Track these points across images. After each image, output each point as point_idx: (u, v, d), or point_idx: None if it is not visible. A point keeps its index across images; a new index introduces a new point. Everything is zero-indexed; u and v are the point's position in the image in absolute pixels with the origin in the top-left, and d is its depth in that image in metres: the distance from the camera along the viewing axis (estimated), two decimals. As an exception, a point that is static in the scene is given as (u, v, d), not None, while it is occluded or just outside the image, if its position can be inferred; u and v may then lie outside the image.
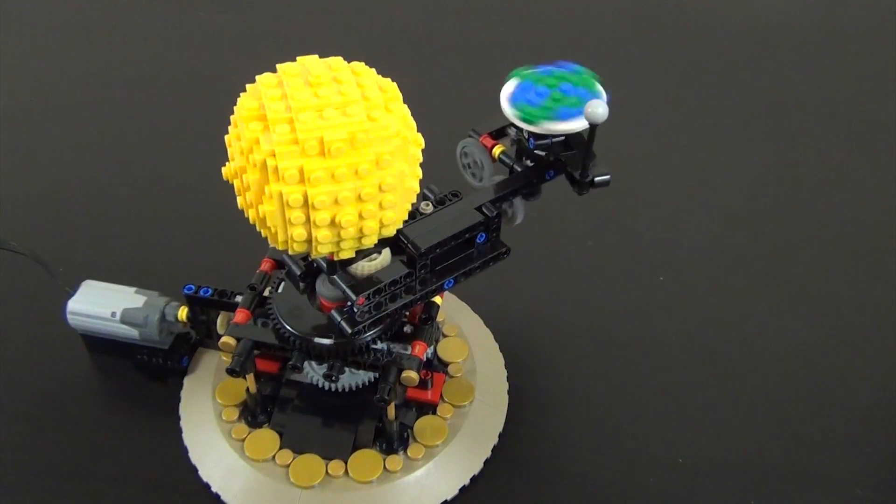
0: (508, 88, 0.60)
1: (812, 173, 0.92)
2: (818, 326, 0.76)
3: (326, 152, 0.47)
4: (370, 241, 0.52)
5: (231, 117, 0.50)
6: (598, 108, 0.54)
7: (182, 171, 0.90)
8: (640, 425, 0.68)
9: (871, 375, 0.72)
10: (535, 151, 0.61)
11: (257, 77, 0.50)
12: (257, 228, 0.52)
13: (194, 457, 0.65)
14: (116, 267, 0.77)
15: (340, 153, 0.47)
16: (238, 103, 0.49)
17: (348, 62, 0.51)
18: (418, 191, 0.53)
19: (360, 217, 0.49)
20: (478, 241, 0.60)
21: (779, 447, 0.67)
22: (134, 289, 0.70)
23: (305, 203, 0.48)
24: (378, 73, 0.51)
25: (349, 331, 0.57)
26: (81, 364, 0.72)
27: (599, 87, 0.61)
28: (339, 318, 0.58)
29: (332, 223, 0.49)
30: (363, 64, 0.51)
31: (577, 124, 0.58)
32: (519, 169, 0.62)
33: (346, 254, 0.52)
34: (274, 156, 0.47)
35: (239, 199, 0.52)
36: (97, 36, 1.11)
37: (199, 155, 0.89)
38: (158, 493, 0.64)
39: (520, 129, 0.61)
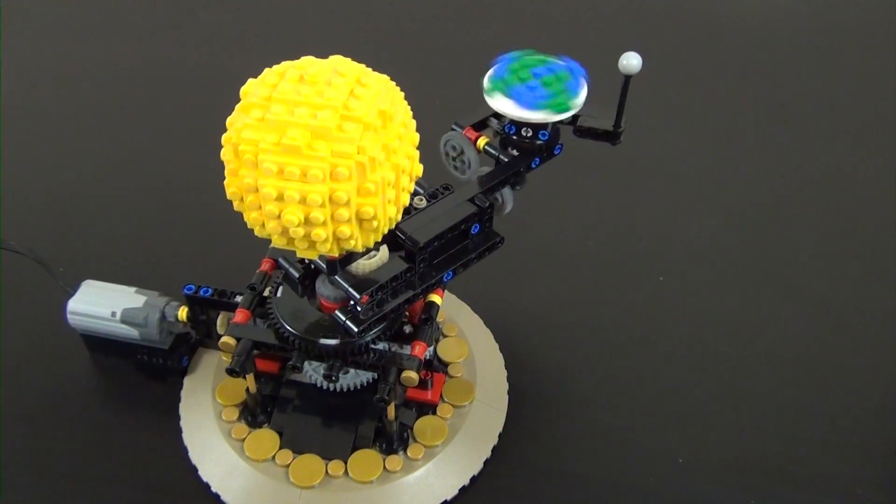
0: (507, 103, 0.61)
1: (812, 173, 0.92)
2: (818, 326, 0.76)
3: (281, 147, 0.47)
4: (326, 249, 0.51)
5: (226, 136, 0.50)
6: (633, 59, 0.57)
7: (182, 171, 0.90)
8: (640, 425, 0.68)
9: (871, 376, 0.72)
10: (540, 141, 0.62)
11: (281, 63, 0.50)
12: (275, 241, 0.52)
13: (194, 456, 0.65)
14: (116, 267, 0.77)
15: (293, 152, 0.47)
16: (236, 123, 0.50)
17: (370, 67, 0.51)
18: (390, 215, 0.51)
19: (307, 222, 0.49)
20: (472, 232, 0.61)
21: (779, 447, 0.67)
22: (134, 289, 0.70)
23: (257, 189, 0.48)
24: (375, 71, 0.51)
25: (356, 329, 0.57)
26: (81, 364, 0.72)
27: (551, 57, 0.62)
28: (343, 318, 0.58)
29: (279, 218, 0.49)
30: (384, 77, 0.51)
31: (585, 88, 0.60)
32: (505, 159, 0.63)
33: (307, 253, 0.52)
34: (240, 136, 0.48)
35: (252, 215, 0.51)
36: (97, 36, 1.11)
37: (199, 155, 0.89)
38: (158, 493, 0.64)
39: (502, 120, 0.62)
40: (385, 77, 0.51)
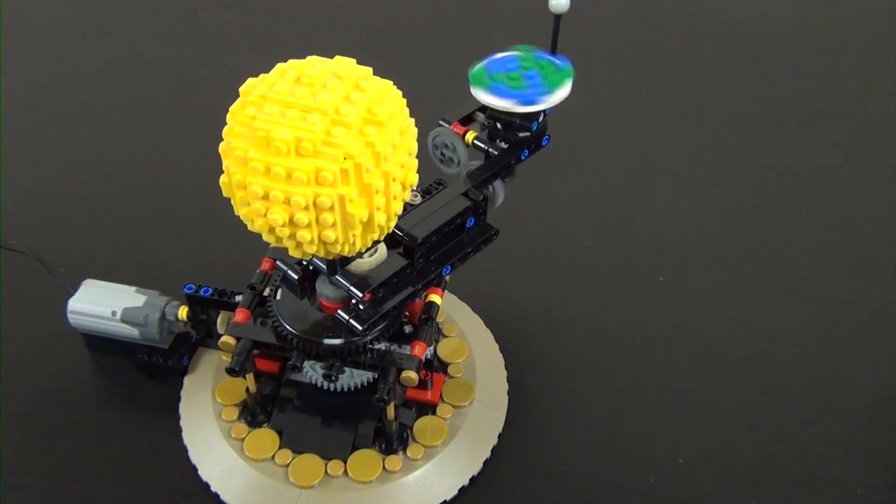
0: (489, 94, 0.61)
1: (812, 173, 0.92)
2: (818, 326, 0.76)
3: (269, 148, 0.47)
4: (313, 251, 0.51)
5: (224, 131, 0.50)
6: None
7: (182, 170, 0.90)
8: (640, 425, 0.68)
9: (871, 375, 0.72)
10: (524, 134, 0.63)
11: (287, 62, 0.50)
12: (264, 237, 0.52)
13: (194, 456, 0.65)
14: (117, 266, 0.77)
15: (280, 153, 0.47)
16: (230, 120, 0.50)
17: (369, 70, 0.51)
18: (380, 223, 0.51)
19: (291, 223, 0.49)
20: (468, 225, 0.62)
21: (779, 447, 0.67)
22: (134, 288, 0.70)
23: (245, 185, 0.48)
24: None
25: (360, 328, 0.57)
26: (82, 363, 0.72)
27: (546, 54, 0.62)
28: (347, 317, 0.58)
29: (265, 216, 0.49)
30: (385, 82, 0.51)
31: (498, 101, 0.59)
32: (495, 152, 0.63)
33: (296, 253, 0.52)
34: (231, 132, 0.48)
35: (243, 211, 0.52)
36: (97, 36, 1.11)
37: (199, 155, 0.89)
38: (158, 493, 0.64)
39: (488, 113, 0.62)
40: (387, 82, 0.51)
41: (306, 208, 0.48)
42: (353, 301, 0.58)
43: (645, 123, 0.99)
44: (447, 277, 0.65)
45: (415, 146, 0.52)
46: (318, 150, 0.47)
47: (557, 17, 0.58)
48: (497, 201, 0.65)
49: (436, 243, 0.60)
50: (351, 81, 0.49)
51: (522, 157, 0.64)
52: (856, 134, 0.98)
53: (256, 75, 0.50)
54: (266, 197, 0.48)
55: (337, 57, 0.51)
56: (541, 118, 0.63)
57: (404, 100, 0.52)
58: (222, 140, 0.50)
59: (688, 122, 0.99)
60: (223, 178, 0.50)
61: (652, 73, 1.07)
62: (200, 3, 1.17)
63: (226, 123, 0.50)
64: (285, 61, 0.51)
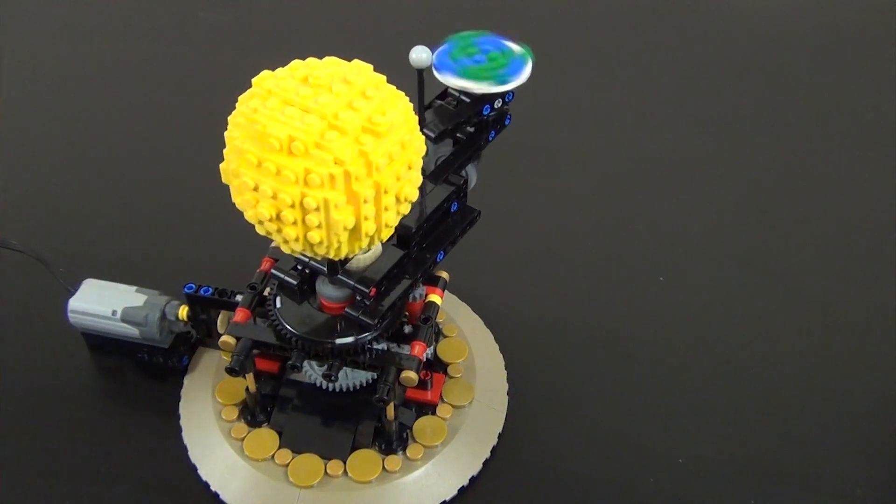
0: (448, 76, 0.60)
1: (812, 173, 0.92)
2: (818, 326, 0.76)
3: (263, 142, 0.47)
4: (300, 248, 0.51)
5: (229, 118, 0.51)
6: (423, 52, 0.54)
7: (182, 170, 0.90)
8: (639, 425, 0.68)
9: (870, 376, 0.72)
10: (485, 116, 0.62)
11: (305, 59, 0.51)
12: (256, 228, 0.52)
13: (194, 456, 0.65)
14: (117, 266, 0.77)
15: (272, 150, 0.47)
16: (237, 108, 0.50)
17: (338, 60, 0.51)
18: (367, 231, 0.50)
19: (278, 218, 0.49)
20: (452, 210, 0.62)
21: (779, 447, 0.67)
22: (135, 287, 0.70)
23: (256, 188, 0.49)
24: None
25: (373, 322, 0.58)
26: (82, 362, 0.72)
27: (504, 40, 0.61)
28: (356, 314, 0.58)
29: (278, 218, 0.49)
30: (398, 94, 0.51)
31: (475, 85, 0.59)
32: (463, 137, 0.63)
33: (286, 248, 0.51)
34: (233, 121, 0.49)
35: (237, 199, 0.52)
36: (97, 35, 1.11)
37: (199, 154, 0.89)
38: (157, 492, 0.64)
39: (447, 100, 0.62)
40: (399, 93, 0.51)
41: (292, 206, 0.48)
42: (358, 298, 0.58)
43: (645, 123, 0.99)
44: (447, 277, 0.65)
45: (417, 160, 0.51)
46: (310, 151, 0.47)
47: (420, 72, 0.56)
48: (471, 184, 0.65)
49: (427, 231, 0.61)
50: (359, 88, 0.49)
51: (490, 138, 0.64)
52: (856, 134, 0.98)
53: (256, 75, 0.50)
54: (256, 189, 0.48)
55: (355, 61, 0.51)
56: (498, 102, 0.63)
57: (412, 111, 0.51)
58: (227, 129, 0.50)
59: (688, 122, 0.99)
60: (223, 164, 0.51)
61: (652, 73, 1.07)
62: (200, 3, 1.17)
63: (226, 121, 0.50)
64: (287, 61, 0.51)
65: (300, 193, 0.48)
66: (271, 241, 0.52)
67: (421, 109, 0.58)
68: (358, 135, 0.48)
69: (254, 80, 0.50)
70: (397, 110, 0.50)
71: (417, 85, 0.57)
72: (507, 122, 0.65)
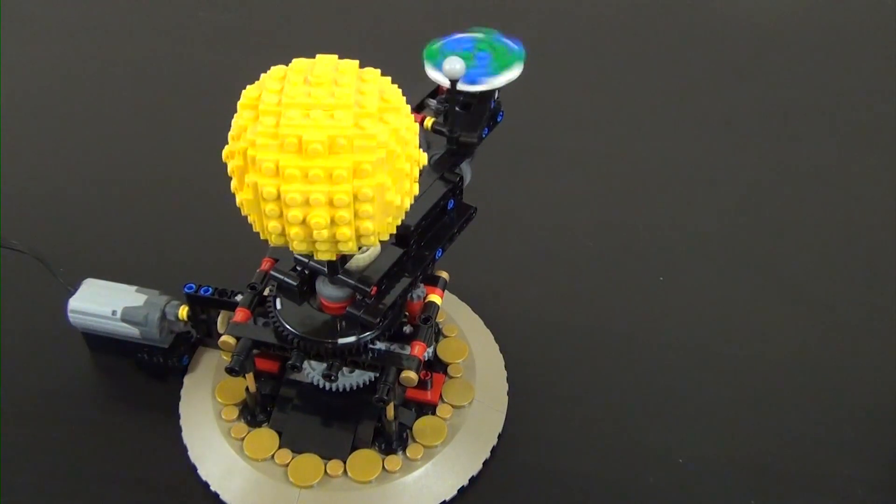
0: (436, 71, 0.61)
1: (812, 173, 0.92)
2: (818, 327, 0.76)
3: (303, 151, 0.47)
4: (348, 248, 0.51)
5: (235, 148, 0.50)
6: (456, 63, 0.56)
7: (183, 170, 0.90)
8: (640, 425, 0.68)
9: (871, 376, 0.72)
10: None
11: (273, 68, 0.50)
12: (293, 245, 0.52)
13: (193, 455, 0.65)
14: (117, 265, 0.77)
15: (317, 154, 0.47)
16: (245, 90, 0.49)
17: (363, 66, 0.51)
18: (405, 207, 0.51)
19: (333, 222, 0.48)
20: (449, 207, 0.63)
21: (779, 447, 0.67)
22: (135, 287, 0.70)
23: (279, 198, 0.48)
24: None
25: (375, 321, 0.58)
26: (82, 362, 0.72)
27: (504, 38, 0.62)
28: (358, 313, 0.58)
29: (304, 223, 0.48)
30: (377, 71, 0.51)
31: (515, 72, 0.60)
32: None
33: (326, 255, 0.51)
34: (254, 145, 0.47)
35: (270, 224, 0.51)
36: (97, 35, 1.11)
37: (199, 154, 0.89)
38: (157, 492, 0.64)
39: (447, 97, 0.62)
40: (377, 70, 0.51)
41: (348, 205, 0.48)
42: (359, 297, 0.58)
43: (645, 124, 0.99)
44: (447, 277, 0.65)
45: (417, 127, 0.52)
46: (354, 144, 0.47)
47: (453, 83, 0.58)
48: (466, 181, 0.65)
49: (425, 229, 0.61)
50: (353, 74, 0.49)
51: (483, 136, 0.64)
52: (856, 134, 0.98)
53: (258, 75, 0.50)
54: (307, 202, 0.47)
55: (318, 56, 0.50)
56: (496, 95, 0.64)
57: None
58: (230, 157, 0.49)
59: (688, 123, 0.99)
60: (244, 196, 0.49)
61: (652, 73, 1.07)
62: (201, 2, 1.17)
63: (227, 126, 0.50)
64: (288, 60, 0.50)
65: (353, 188, 0.47)
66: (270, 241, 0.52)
67: (453, 117, 0.59)
68: (381, 115, 0.48)
69: (242, 103, 0.49)
70: (389, 84, 0.50)
71: (448, 93, 0.58)
72: (499, 119, 0.65)
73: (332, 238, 0.49)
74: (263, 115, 0.47)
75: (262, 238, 0.51)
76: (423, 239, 0.62)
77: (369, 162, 0.47)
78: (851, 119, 1.00)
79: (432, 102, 0.65)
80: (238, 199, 0.50)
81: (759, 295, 0.79)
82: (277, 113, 0.47)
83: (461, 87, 0.59)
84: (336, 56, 0.51)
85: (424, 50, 0.61)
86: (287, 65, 0.50)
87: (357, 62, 0.51)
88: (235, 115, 0.49)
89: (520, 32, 0.62)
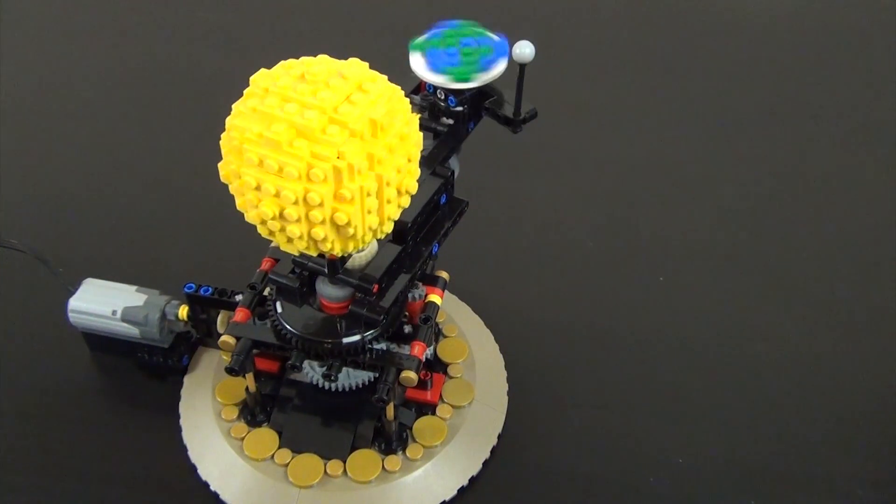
0: (420, 61, 0.61)
1: (812, 173, 0.92)
2: (818, 326, 0.76)
3: (263, 139, 0.47)
4: (302, 247, 0.51)
5: (226, 120, 0.50)
6: (526, 48, 0.57)
7: (183, 170, 0.90)
8: (640, 425, 0.68)
9: (870, 376, 0.72)
10: (456, 108, 0.63)
11: (305, 58, 0.50)
12: (258, 229, 0.52)
13: (193, 455, 0.65)
14: (117, 265, 0.77)
15: (273, 146, 0.47)
16: (234, 109, 0.49)
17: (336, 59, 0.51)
18: (372, 226, 0.51)
19: (282, 216, 0.49)
20: (441, 202, 0.63)
21: (779, 447, 0.67)
22: (135, 287, 0.70)
23: (240, 174, 0.48)
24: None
25: (379, 318, 0.58)
26: (82, 362, 0.72)
27: (489, 32, 0.63)
28: (362, 311, 0.58)
29: (257, 207, 0.49)
30: (394, 88, 0.50)
31: (500, 68, 0.61)
32: (442, 129, 0.64)
33: (288, 248, 0.51)
34: (232, 122, 0.48)
35: (238, 201, 0.52)
36: (97, 35, 1.11)
37: (199, 154, 0.89)
38: (157, 492, 0.64)
39: (432, 93, 0.63)
40: (395, 87, 0.51)
41: (296, 203, 0.48)
42: (360, 295, 0.58)
43: (645, 123, 0.99)
44: (447, 277, 0.65)
45: (416, 153, 0.52)
46: (312, 147, 0.47)
47: (521, 67, 0.59)
48: (455, 175, 0.66)
49: (421, 224, 0.61)
50: (355, 82, 0.49)
51: (470, 129, 0.65)
52: (856, 134, 0.98)
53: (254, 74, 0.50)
54: (258, 188, 0.48)
55: (351, 59, 0.51)
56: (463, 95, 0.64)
57: (409, 105, 0.51)
58: (225, 130, 0.50)
59: (687, 122, 0.99)
60: (221, 164, 0.50)
61: (652, 72, 1.07)
62: (200, 2, 1.17)
63: (225, 123, 0.50)
64: (291, 59, 0.50)
65: (303, 189, 0.47)
66: (271, 241, 0.52)
67: (518, 103, 0.60)
68: (358, 127, 0.48)
69: (252, 79, 0.50)
70: (394, 103, 0.50)
71: (518, 80, 0.59)
72: (483, 115, 0.65)
73: (283, 231, 0.49)
74: (251, 97, 0.48)
75: (282, 249, 0.52)
76: (419, 234, 0.62)
77: (322, 169, 0.47)
78: (852, 119, 1.00)
79: (416, 98, 0.65)
80: (254, 215, 0.50)
81: (759, 295, 0.79)
82: (262, 97, 0.48)
83: (452, 85, 0.60)
84: (366, 64, 0.51)
85: (410, 45, 0.62)
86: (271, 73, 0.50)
87: (377, 74, 0.51)
88: (229, 134, 0.49)
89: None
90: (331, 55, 0.51)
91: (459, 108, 0.63)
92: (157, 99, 1.01)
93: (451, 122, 0.64)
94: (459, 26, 0.63)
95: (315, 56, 0.51)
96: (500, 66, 0.61)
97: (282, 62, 0.50)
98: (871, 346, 0.74)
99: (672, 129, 0.98)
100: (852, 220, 0.86)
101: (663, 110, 1.01)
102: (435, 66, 0.61)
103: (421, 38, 0.63)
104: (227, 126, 0.49)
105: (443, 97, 0.63)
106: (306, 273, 0.59)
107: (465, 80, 0.60)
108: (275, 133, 0.47)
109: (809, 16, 1.17)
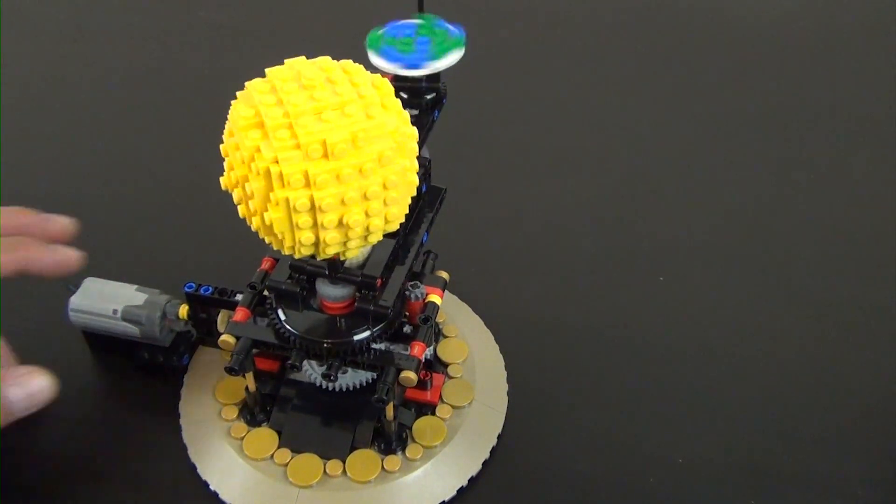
0: (379, 58, 0.61)
1: (812, 173, 0.92)
2: (818, 326, 0.76)
3: (330, 154, 0.47)
4: (376, 238, 0.52)
5: (226, 126, 0.50)
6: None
7: (183, 169, 0.90)
8: (639, 426, 0.68)
9: (870, 376, 0.72)
10: (426, 95, 0.63)
11: (247, 84, 0.50)
12: (261, 236, 0.52)
13: (193, 455, 0.65)
14: (118, 265, 0.77)
15: (344, 154, 0.47)
16: (231, 112, 0.49)
17: (336, 60, 0.51)
18: (417, 184, 0.53)
19: (367, 215, 0.50)
20: (422, 191, 0.63)
21: (779, 447, 0.67)
22: (135, 287, 0.70)
23: (312, 207, 0.48)
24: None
25: (388, 310, 0.58)
26: (82, 361, 0.72)
27: (446, 24, 0.63)
28: (370, 306, 0.58)
29: (340, 224, 0.49)
30: (352, 62, 0.51)
31: (453, 57, 0.60)
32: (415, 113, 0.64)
33: (353, 253, 0.53)
34: (277, 162, 0.47)
35: (240, 209, 0.52)
36: (98, 36, 1.11)
37: (200, 154, 0.89)
38: (157, 491, 0.64)
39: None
40: (360, 66, 0.51)
41: (379, 195, 0.49)
42: (362, 292, 0.58)
43: (645, 123, 0.99)
44: (447, 277, 0.65)
45: (413, 149, 0.52)
46: (372, 134, 0.48)
47: None
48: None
49: (408, 215, 0.61)
50: (338, 69, 0.50)
51: (435, 117, 0.65)
52: (856, 134, 0.97)
53: (257, 75, 0.50)
54: (342, 203, 0.48)
55: (287, 61, 0.51)
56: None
57: (411, 139, 0.52)
58: (231, 182, 0.50)
59: (688, 123, 0.99)
60: (273, 215, 0.48)
61: (652, 73, 1.07)
62: (200, 2, 1.17)
63: (225, 127, 0.50)
64: (280, 63, 0.50)
65: (382, 174, 0.48)
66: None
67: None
68: (383, 101, 0.49)
69: (240, 126, 0.48)
70: (394, 104, 0.50)
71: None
72: (444, 102, 0.65)
73: (364, 232, 0.50)
74: (275, 130, 0.47)
75: (285, 253, 0.52)
76: (408, 225, 0.62)
77: (390, 148, 0.48)
78: (852, 119, 1.00)
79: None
80: (261, 221, 0.50)
81: (759, 295, 0.79)
82: (289, 124, 0.47)
83: (404, 72, 0.59)
84: (304, 57, 0.51)
85: (367, 38, 0.62)
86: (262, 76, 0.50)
87: (328, 58, 0.51)
88: (233, 137, 0.49)
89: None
90: (336, 54, 0.51)
91: (433, 94, 0.63)
92: (157, 99, 1.01)
93: (415, 112, 0.63)
94: (418, 23, 0.63)
95: (317, 56, 0.51)
96: (453, 56, 0.60)
97: (252, 87, 0.50)
98: (872, 346, 0.74)
99: (672, 130, 0.98)
100: (852, 220, 0.86)
101: (664, 110, 1.01)
102: (389, 55, 0.60)
103: (379, 33, 0.62)
104: (272, 173, 0.48)
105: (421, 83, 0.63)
106: (305, 276, 0.59)
107: (416, 68, 0.60)
108: (342, 141, 0.47)
109: (810, 16, 1.17)
